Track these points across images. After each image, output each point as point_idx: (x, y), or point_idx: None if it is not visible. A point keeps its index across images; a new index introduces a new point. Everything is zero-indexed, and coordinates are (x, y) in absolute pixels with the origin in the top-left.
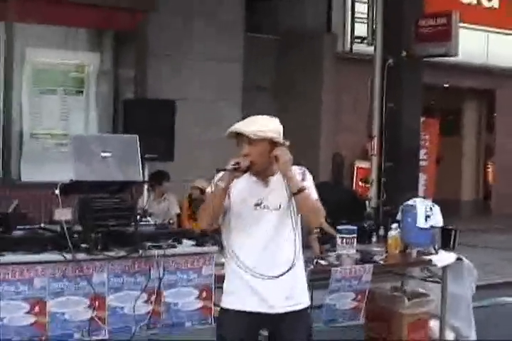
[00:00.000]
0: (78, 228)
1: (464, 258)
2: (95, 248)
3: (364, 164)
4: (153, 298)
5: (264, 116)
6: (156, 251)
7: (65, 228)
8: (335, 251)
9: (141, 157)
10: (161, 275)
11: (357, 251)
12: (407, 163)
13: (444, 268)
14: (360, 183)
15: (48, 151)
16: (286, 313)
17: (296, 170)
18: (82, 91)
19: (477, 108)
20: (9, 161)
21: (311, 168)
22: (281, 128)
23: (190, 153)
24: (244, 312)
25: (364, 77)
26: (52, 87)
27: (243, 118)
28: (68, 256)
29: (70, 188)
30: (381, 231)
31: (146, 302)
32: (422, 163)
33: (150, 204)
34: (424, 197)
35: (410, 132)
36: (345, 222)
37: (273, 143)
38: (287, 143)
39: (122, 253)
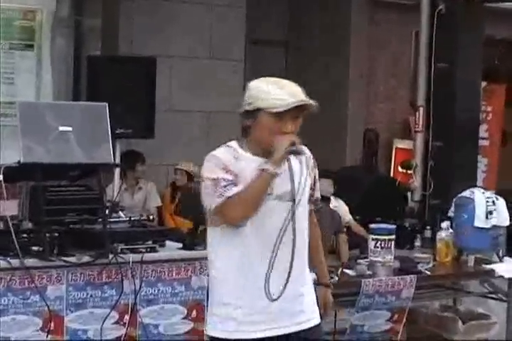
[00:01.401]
0: (28, 225)
1: None
2: (50, 252)
3: (405, 144)
4: (126, 318)
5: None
6: (130, 256)
7: (11, 225)
8: (366, 257)
9: (112, 132)
10: (137, 287)
11: (395, 257)
12: (463, 142)
13: (511, 282)
14: (399, 169)
15: None
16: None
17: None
18: (32, 45)
19: None
20: None
21: (336, 150)
22: None
23: (175, 128)
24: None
25: (406, 28)
26: None
27: (246, 81)
28: (15, 263)
29: (16, 173)
30: (427, 233)
31: (117, 323)
32: (483, 143)
33: (122, 194)
34: (484, 188)
35: (467, 102)
36: (380, 219)
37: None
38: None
39: (86, 258)
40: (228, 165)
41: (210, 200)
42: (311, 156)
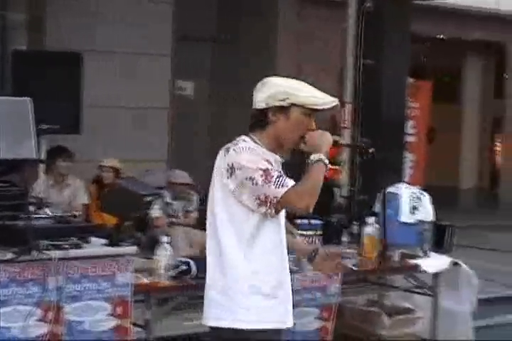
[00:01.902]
0: None
1: (461, 264)
2: None
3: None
4: (50, 314)
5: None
6: (55, 253)
7: None
8: (293, 253)
9: (36, 128)
10: (61, 284)
11: None
12: (390, 138)
13: (436, 277)
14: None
15: None
16: None
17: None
18: None
19: (482, 66)
20: None
21: None
22: None
23: (103, 123)
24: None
25: (335, 24)
26: None
27: (174, 77)
28: None
29: None
30: (354, 228)
31: (41, 320)
32: (410, 139)
33: (48, 191)
34: (410, 184)
35: (394, 98)
36: (308, 214)
37: None
38: None
39: (9, 255)
40: (265, 156)
41: (265, 190)
42: None
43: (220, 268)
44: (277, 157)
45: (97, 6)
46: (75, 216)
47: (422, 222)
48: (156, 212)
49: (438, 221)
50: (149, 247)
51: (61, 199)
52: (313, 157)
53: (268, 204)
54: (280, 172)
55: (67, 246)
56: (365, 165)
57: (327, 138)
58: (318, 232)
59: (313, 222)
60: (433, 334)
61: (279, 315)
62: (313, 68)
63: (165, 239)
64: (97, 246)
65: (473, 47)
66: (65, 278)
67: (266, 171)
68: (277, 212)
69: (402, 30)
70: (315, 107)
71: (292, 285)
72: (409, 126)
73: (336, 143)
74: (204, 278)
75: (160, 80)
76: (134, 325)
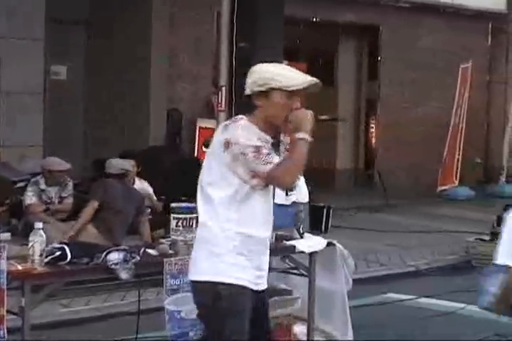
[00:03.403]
0: None
1: (337, 244)
2: None
3: (209, 123)
4: None
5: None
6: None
7: None
8: (169, 237)
9: None
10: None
11: None
12: None
13: (312, 257)
14: (203, 148)
15: None
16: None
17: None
18: None
19: (356, 49)
20: None
21: (139, 129)
22: None
23: None
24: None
25: (209, 8)
26: None
27: (48, 62)
28: None
29: None
30: None
31: None
32: None
33: None
34: None
35: None
36: (184, 198)
37: None
38: None
39: None
40: (257, 134)
41: (254, 166)
42: None
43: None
44: (267, 137)
45: None
46: None
47: (296, 203)
48: (29, 198)
49: (313, 202)
50: (24, 234)
51: None
52: (297, 135)
53: (258, 178)
54: (270, 150)
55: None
56: None
57: (309, 117)
58: (193, 215)
59: (188, 205)
60: (310, 315)
61: (254, 277)
62: (187, 52)
63: (39, 225)
64: None
65: (346, 29)
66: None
67: (257, 148)
68: (266, 186)
69: (275, 13)
70: (292, 88)
71: (170, 269)
72: None
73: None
74: (78, 263)
75: (33, 64)
76: (9, 312)
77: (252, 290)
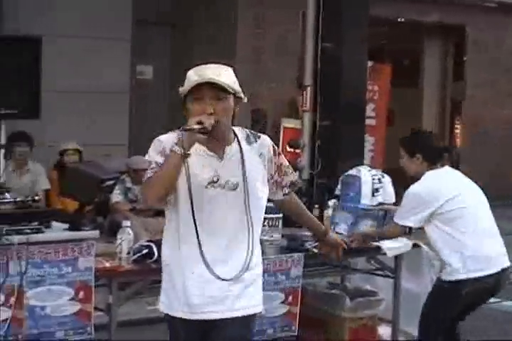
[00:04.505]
0: None
1: (423, 246)
2: None
3: (293, 123)
4: (12, 300)
5: (221, 65)
6: (16, 238)
7: None
8: None
9: None
10: (23, 269)
11: (283, 236)
12: (350, 121)
13: (397, 259)
14: (287, 148)
15: None
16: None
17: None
18: None
19: (441, 49)
20: None
21: None
22: None
23: (61, 109)
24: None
25: (294, 8)
26: None
27: (134, 62)
28: None
29: None
30: (315, 211)
31: (3, 305)
32: (370, 122)
33: (9, 176)
34: (370, 166)
35: (353, 81)
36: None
37: (237, 99)
38: (245, 99)
39: None
40: (166, 148)
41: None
42: (270, 144)
43: None
44: (206, 149)
45: None
46: (34, 200)
47: (383, 204)
48: (116, 196)
49: (399, 203)
50: (111, 232)
51: (22, 184)
52: (172, 146)
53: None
54: (161, 164)
55: (28, 230)
56: (325, 148)
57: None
58: (279, 215)
59: (273, 205)
60: (395, 316)
61: None
62: (272, 52)
63: (127, 223)
64: (58, 230)
65: (431, 30)
66: (27, 263)
67: (149, 163)
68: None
69: (360, 14)
70: (183, 94)
71: None
72: (370, 109)
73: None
74: None
75: (119, 64)
76: (96, 309)
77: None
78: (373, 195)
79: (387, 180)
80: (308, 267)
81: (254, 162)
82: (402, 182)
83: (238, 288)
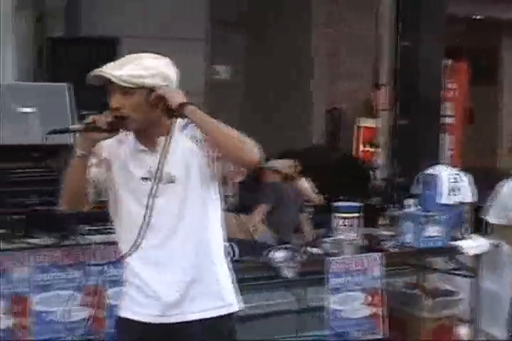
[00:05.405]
0: None
1: (503, 245)
2: (15, 234)
3: (370, 122)
4: (92, 299)
5: (149, 54)
6: (95, 237)
7: None
8: (332, 236)
9: (78, 113)
10: (102, 269)
11: (360, 236)
12: (427, 120)
13: (477, 258)
14: (364, 147)
15: None
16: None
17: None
18: None
19: None
20: None
21: (300, 129)
22: (171, 72)
23: None
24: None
25: (370, 6)
26: None
27: (209, 62)
28: None
29: None
30: (393, 211)
31: (82, 305)
32: (449, 121)
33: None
34: (449, 165)
35: (431, 80)
36: (344, 197)
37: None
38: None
39: (51, 240)
40: (100, 147)
41: None
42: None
43: None
44: (137, 144)
45: None
46: None
47: (461, 203)
48: None
49: (479, 203)
50: None
51: None
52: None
53: None
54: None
55: (107, 230)
56: (403, 147)
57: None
58: (357, 214)
59: (352, 204)
60: (474, 316)
61: None
62: (348, 50)
63: None
64: None
65: (510, 27)
66: (107, 263)
67: None
68: None
69: (437, 11)
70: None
71: (333, 268)
72: (448, 108)
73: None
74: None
75: (195, 65)
76: None
77: None
78: (451, 194)
79: (466, 178)
80: (385, 267)
81: (186, 149)
82: (483, 181)
83: None
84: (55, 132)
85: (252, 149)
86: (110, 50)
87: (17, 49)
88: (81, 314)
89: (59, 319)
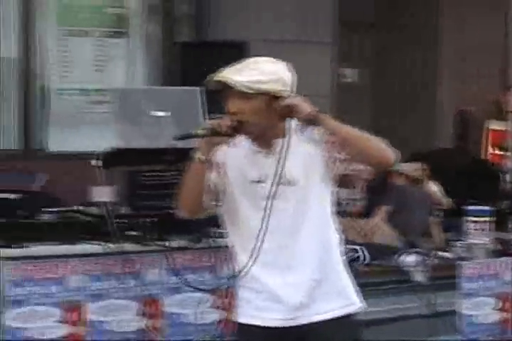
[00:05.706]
0: (123, 211)
1: None
2: (148, 236)
3: (500, 125)
4: (221, 302)
5: (266, 59)
6: (224, 241)
7: (108, 211)
8: (463, 240)
9: (210, 116)
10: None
11: (493, 240)
12: None
13: None
14: (494, 150)
15: (80, 112)
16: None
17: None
18: (123, 33)
19: None
20: (31, 127)
21: (428, 131)
22: (289, 76)
23: None
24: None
25: (498, 8)
26: (83, 26)
27: (337, 64)
28: (112, 247)
29: (112, 159)
30: None
31: (213, 307)
32: None
33: None
34: None
35: None
36: (474, 201)
37: (275, 98)
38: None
39: (182, 243)
40: (216, 153)
41: None
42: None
43: None
44: (253, 147)
45: None
46: None
47: None
48: None
49: None
50: None
51: None
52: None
53: None
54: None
55: None
56: None
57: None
58: (489, 219)
59: (484, 208)
60: None
61: None
62: (476, 52)
63: None
64: None
65: None
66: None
67: None
68: None
69: None
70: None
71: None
72: None
73: None
74: (374, 265)
75: (321, 67)
76: None
77: None
78: None
79: None
80: None
81: (305, 151)
82: None
83: None
84: (180, 138)
85: (387, 151)
86: (238, 54)
87: (147, 54)
88: (212, 316)
89: (191, 320)
